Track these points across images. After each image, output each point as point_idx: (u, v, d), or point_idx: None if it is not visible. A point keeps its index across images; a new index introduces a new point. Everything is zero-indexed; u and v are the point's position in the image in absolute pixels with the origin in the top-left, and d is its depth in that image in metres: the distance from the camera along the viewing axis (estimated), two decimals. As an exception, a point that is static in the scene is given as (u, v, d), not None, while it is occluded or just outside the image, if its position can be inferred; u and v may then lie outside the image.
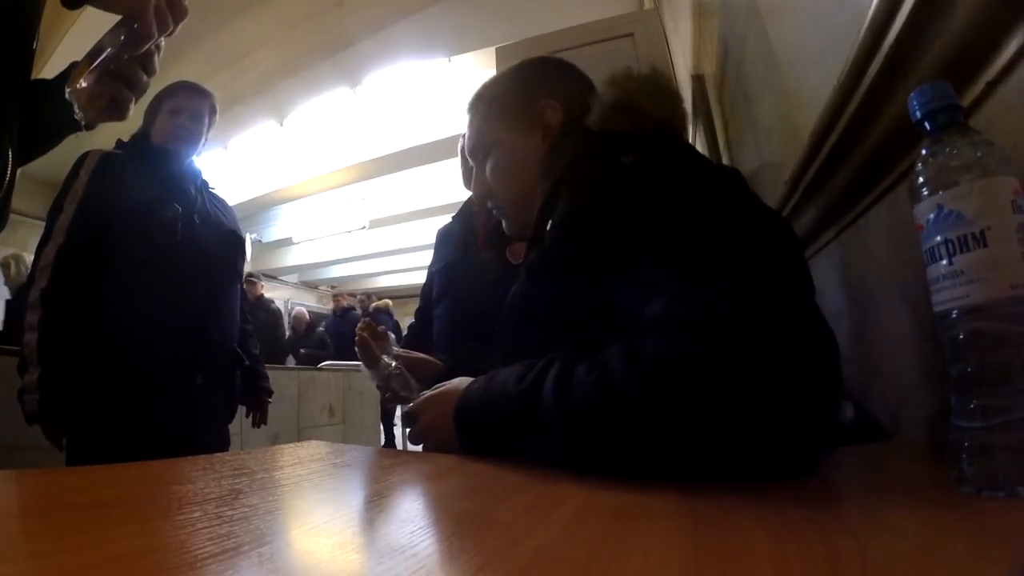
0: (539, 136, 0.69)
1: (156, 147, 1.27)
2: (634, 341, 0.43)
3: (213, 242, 1.29)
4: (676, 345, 0.40)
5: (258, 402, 1.47)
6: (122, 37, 0.54)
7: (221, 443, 1.30)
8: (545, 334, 0.54)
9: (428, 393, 0.61)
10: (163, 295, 1.16)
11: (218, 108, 1.38)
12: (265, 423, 1.49)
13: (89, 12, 0.55)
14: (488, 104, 0.75)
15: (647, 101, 0.56)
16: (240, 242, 1.41)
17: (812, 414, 0.40)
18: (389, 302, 5.77)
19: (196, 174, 1.33)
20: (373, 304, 5.56)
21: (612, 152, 0.52)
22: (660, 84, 0.59)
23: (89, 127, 0.63)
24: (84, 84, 0.56)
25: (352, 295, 6.57)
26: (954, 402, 0.31)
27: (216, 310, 1.28)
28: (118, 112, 0.61)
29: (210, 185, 1.38)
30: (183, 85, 1.33)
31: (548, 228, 0.56)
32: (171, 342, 1.16)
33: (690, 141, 0.62)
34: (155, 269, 1.16)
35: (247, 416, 1.47)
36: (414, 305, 1.63)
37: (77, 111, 0.57)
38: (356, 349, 0.83)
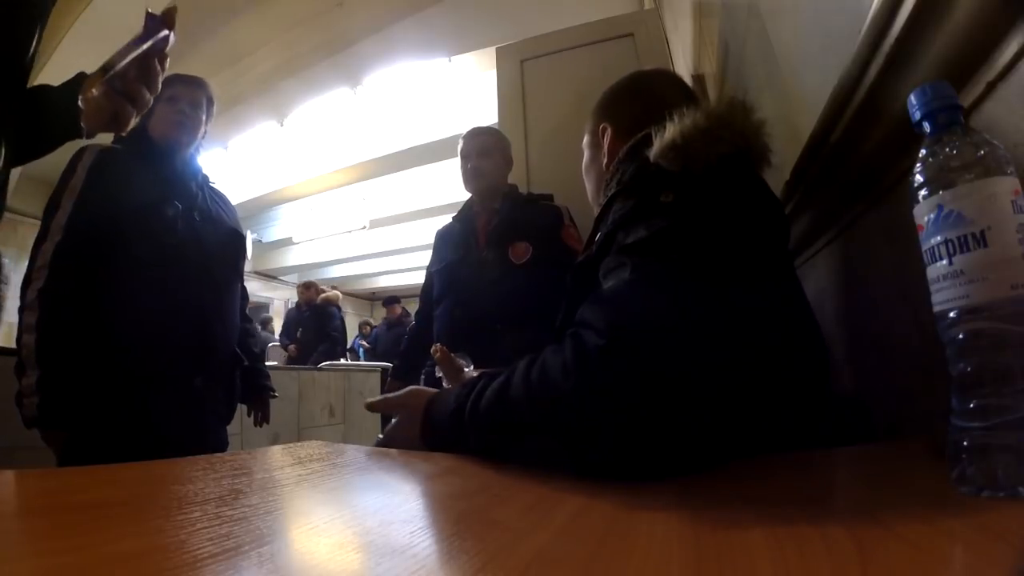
0: (602, 152, 0.78)
1: (156, 142, 1.23)
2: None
3: (214, 240, 1.26)
4: (559, 355, 0.45)
5: (260, 401, 1.47)
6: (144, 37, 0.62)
7: (220, 444, 1.29)
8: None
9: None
10: (164, 294, 1.13)
11: (215, 100, 1.34)
12: (268, 422, 1.48)
13: (86, 22, 0.61)
14: (590, 111, 0.83)
15: (702, 143, 0.56)
16: (241, 241, 1.38)
17: (666, 421, 0.41)
18: (339, 294, 5.16)
19: (197, 170, 1.30)
20: (322, 295, 4.93)
21: (655, 190, 0.56)
22: (725, 121, 0.59)
23: (89, 135, 0.68)
24: (95, 93, 0.64)
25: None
26: (954, 402, 0.31)
27: (218, 310, 1.26)
28: (119, 125, 0.67)
29: (211, 180, 1.35)
30: (177, 77, 1.27)
31: (596, 237, 0.62)
32: (173, 343, 1.13)
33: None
34: (155, 267, 1.13)
35: (249, 415, 1.47)
36: (414, 306, 1.63)
37: (83, 122, 0.65)
38: (436, 366, 0.85)
